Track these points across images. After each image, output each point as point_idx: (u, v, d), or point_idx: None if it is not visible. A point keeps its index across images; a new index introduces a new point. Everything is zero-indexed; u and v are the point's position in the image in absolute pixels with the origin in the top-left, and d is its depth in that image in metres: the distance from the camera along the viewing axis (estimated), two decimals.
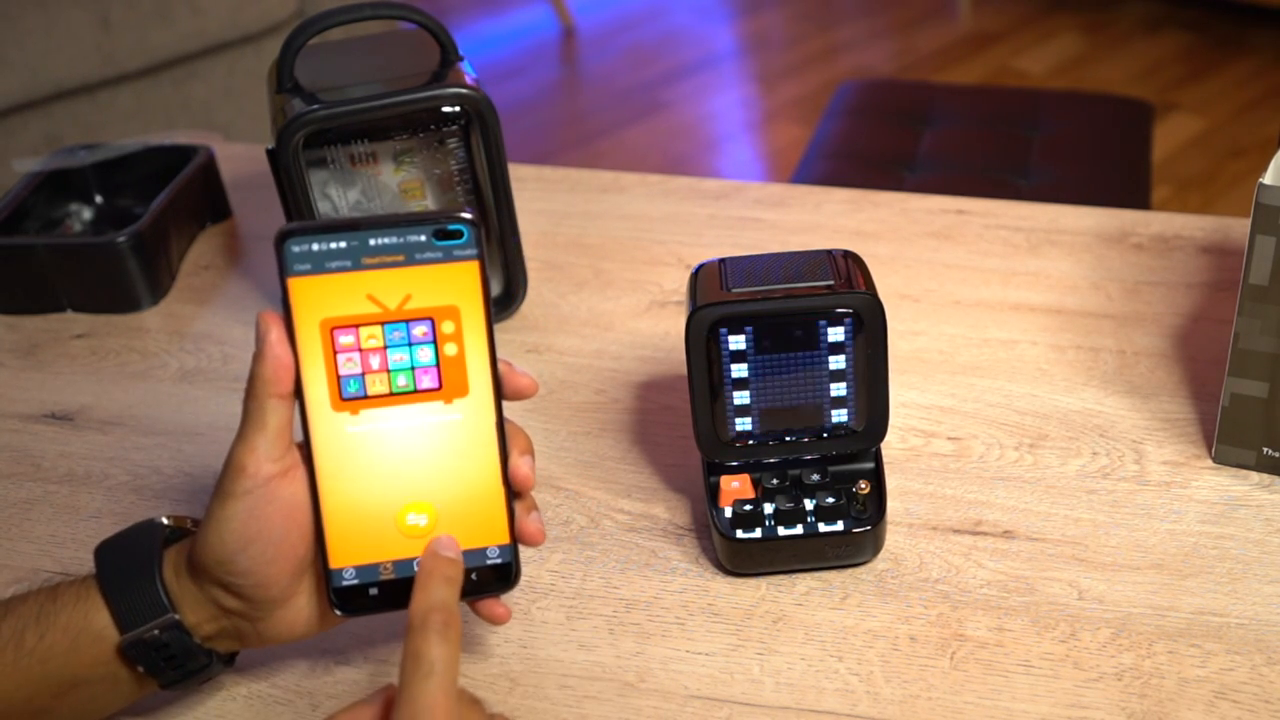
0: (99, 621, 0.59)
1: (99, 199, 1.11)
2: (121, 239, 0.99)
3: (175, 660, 0.60)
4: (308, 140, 0.86)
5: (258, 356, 0.57)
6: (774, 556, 0.72)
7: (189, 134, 1.16)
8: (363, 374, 0.59)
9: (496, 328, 0.96)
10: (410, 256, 0.58)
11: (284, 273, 0.57)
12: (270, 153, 0.86)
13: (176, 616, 0.59)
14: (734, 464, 0.73)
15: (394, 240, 0.57)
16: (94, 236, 1.05)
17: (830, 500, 0.71)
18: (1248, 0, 2.96)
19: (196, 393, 0.92)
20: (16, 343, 0.99)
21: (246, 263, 1.07)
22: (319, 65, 0.91)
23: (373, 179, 0.92)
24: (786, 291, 0.68)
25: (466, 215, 0.58)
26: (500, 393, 0.60)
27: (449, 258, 0.58)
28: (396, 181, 0.92)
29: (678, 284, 0.99)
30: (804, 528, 0.71)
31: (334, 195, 0.91)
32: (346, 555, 0.60)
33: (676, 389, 0.88)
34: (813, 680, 0.66)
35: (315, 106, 0.84)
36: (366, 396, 0.59)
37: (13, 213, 1.03)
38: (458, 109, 0.88)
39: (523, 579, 0.74)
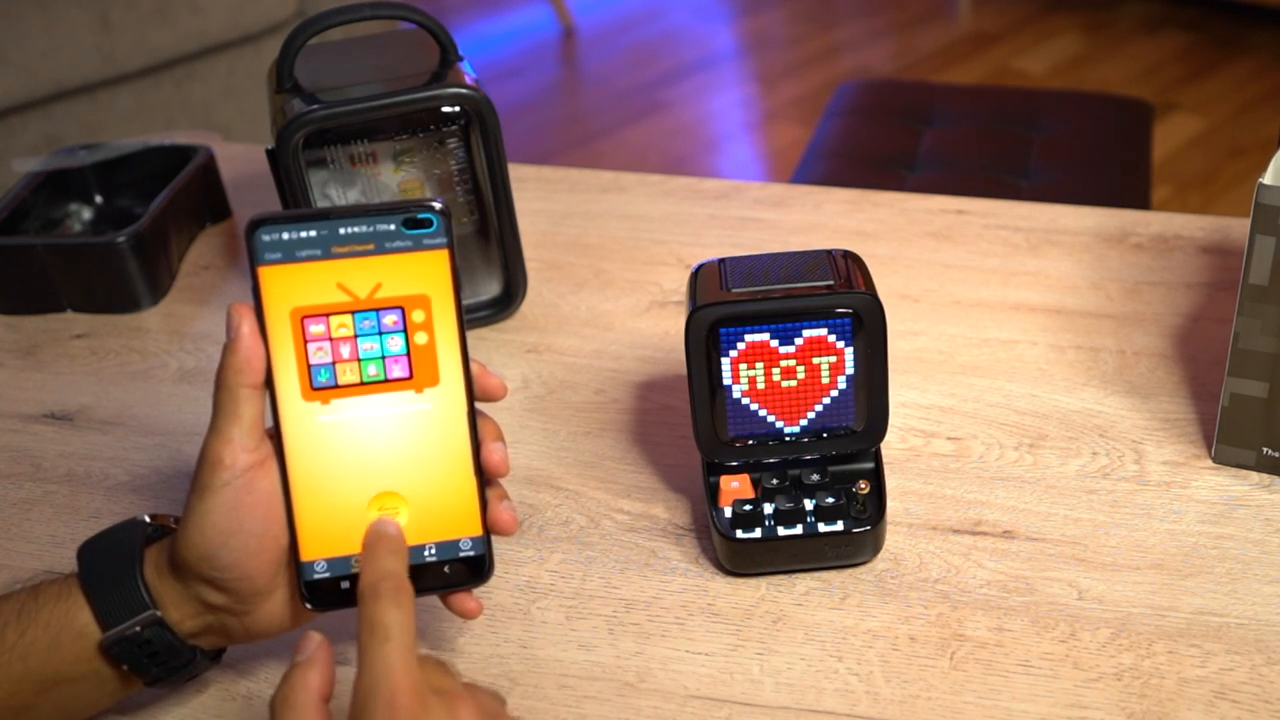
0: (80, 619, 0.59)
1: (99, 199, 1.11)
2: (121, 239, 0.99)
3: (159, 657, 0.60)
4: (308, 140, 0.86)
5: (229, 347, 0.57)
6: (774, 556, 0.72)
7: (189, 134, 1.16)
8: (333, 363, 0.59)
9: (496, 328, 0.96)
10: (380, 245, 0.58)
11: (254, 262, 0.57)
12: (270, 153, 0.86)
13: (158, 613, 0.59)
14: (734, 464, 0.73)
15: (364, 229, 0.58)
16: (94, 236, 1.05)
17: (830, 500, 0.71)
18: (1248, 0, 2.96)
19: (196, 393, 0.92)
20: (16, 343, 0.99)
21: (246, 262, 1.07)
22: (319, 65, 0.91)
23: (373, 179, 0.92)
24: (786, 291, 0.68)
25: (436, 205, 0.58)
26: (471, 383, 0.60)
27: (419, 247, 0.58)
28: (396, 181, 0.92)
29: (678, 284, 0.99)
30: (804, 528, 0.71)
31: (334, 195, 0.91)
32: (317, 548, 0.59)
33: (676, 389, 0.88)
34: (812, 680, 0.66)
35: (315, 106, 0.84)
36: (337, 386, 0.59)
37: (13, 213, 1.03)
38: (458, 109, 0.88)
39: (523, 579, 0.74)
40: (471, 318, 0.94)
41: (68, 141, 1.91)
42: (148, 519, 0.63)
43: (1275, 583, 0.70)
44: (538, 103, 3.02)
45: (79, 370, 0.96)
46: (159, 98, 2.02)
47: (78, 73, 1.92)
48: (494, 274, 0.96)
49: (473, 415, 0.60)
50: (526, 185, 1.12)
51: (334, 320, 0.58)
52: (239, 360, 0.57)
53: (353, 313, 0.58)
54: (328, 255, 0.58)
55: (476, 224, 0.95)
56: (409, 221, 0.58)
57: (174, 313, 1.01)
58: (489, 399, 0.62)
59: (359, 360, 0.59)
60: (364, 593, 0.54)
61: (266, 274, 0.58)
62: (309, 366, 0.58)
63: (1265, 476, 0.77)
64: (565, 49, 3.31)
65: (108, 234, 1.00)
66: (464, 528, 0.61)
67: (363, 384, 0.59)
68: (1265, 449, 0.76)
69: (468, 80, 0.87)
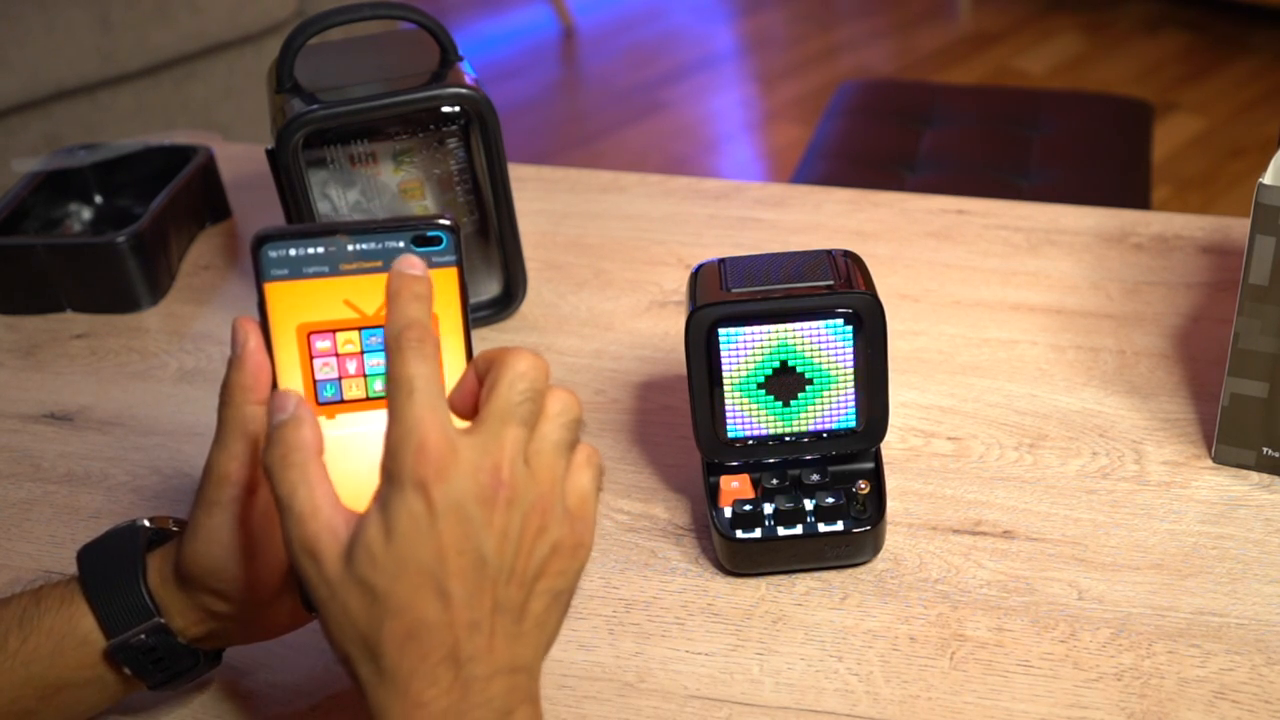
0: (84, 626, 0.59)
1: (99, 199, 1.11)
2: (121, 239, 0.99)
3: (163, 663, 0.60)
4: (307, 140, 0.86)
5: (235, 363, 0.57)
6: (774, 556, 0.72)
7: (189, 134, 1.16)
8: (339, 378, 0.58)
9: (496, 328, 0.96)
10: (389, 263, 0.57)
11: (261, 278, 0.56)
12: (270, 153, 0.86)
13: (162, 620, 0.59)
14: (734, 464, 0.73)
15: (372, 246, 0.57)
16: (94, 236, 1.05)
17: (830, 500, 0.71)
18: (1248, 0, 2.96)
19: (196, 393, 0.92)
20: (16, 343, 0.99)
21: (246, 263, 1.07)
22: (319, 65, 0.91)
23: (372, 179, 0.92)
24: (786, 291, 0.68)
25: (446, 222, 0.57)
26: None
27: (428, 264, 0.58)
28: (396, 181, 0.92)
29: (678, 284, 0.99)
30: (804, 528, 0.71)
31: (334, 195, 0.91)
32: None
33: (676, 389, 0.88)
34: (812, 680, 0.66)
35: (315, 106, 0.84)
36: (343, 401, 0.59)
37: (13, 213, 1.03)
38: (458, 109, 0.88)
39: None
40: (472, 318, 0.94)
41: (68, 141, 1.91)
42: (147, 523, 0.63)
43: (1275, 583, 0.70)
44: (538, 103, 3.02)
45: (79, 370, 0.96)
46: (159, 98, 2.02)
47: (78, 73, 1.92)
48: (494, 274, 0.96)
49: None
50: (526, 185, 1.12)
51: (340, 336, 0.58)
52: (245, 376, 0.57)
53: (359, 329, 0.58)
54: (335, 272, 0.57)
55: (476, 224, 0.95)
56: (418, 239, 0.57)
57: (174, 313, 1.01)
58: None
59: (365, 376, 0.59)
60: (388, 345, 0.51)
61: (273, 290, 0.57)
62: (314, 381, 0.58)
63: (1265, 476, 0.77)
64: (565, 49, 3.31)
65: (108, 234, 1.00)
66: None
67: (369, 399, 0.59)
68: (1265, 449, 0.76)
69: (468, 80, 0.87)
